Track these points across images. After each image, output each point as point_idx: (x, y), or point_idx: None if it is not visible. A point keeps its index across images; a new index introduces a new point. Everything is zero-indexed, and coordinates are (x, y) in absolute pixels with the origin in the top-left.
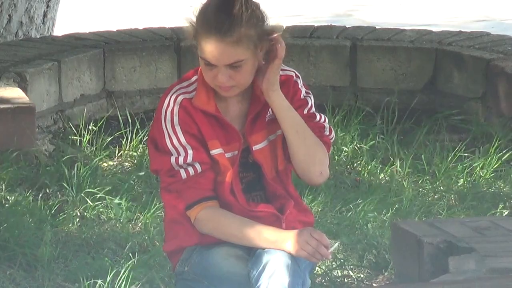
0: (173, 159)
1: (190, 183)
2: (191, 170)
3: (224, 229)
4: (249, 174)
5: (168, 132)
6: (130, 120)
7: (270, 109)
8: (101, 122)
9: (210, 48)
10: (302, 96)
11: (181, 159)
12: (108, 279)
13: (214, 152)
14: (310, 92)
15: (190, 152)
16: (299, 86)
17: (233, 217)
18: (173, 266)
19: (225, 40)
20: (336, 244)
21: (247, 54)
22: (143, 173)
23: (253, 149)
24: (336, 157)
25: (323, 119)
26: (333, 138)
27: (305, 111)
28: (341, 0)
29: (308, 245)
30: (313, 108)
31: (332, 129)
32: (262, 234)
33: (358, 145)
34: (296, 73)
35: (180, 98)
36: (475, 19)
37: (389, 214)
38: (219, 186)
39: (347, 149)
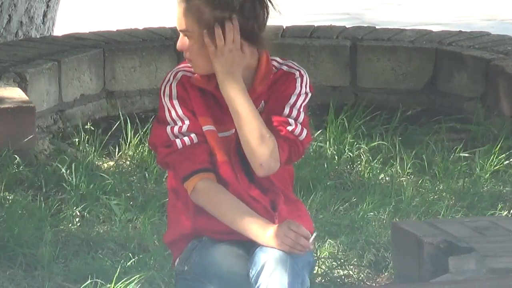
0: (169, 128)
1: (186, 154)
2: (187, 140)
3: (218, 206)
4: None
5: (167, 106)
6: (130, 120)
7: (262, 101)
8: (101, 122)
9: (175, 11)
10: (294, 93)
11: (176, 129)
12: (108, 279)
13: (204, 128)
14: (308, 93)
15: (186, 122)
16: (296, 84)
17: (231, 198)
18: (173, 258)
19: (180, 7)
20: (315, 234)
21: (193, 28)
22: (143, 172)
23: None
24: (336, 157)
25: (294, 114)
26: (302, 136)
27: (285, 105)
28: (347, 1)
29: (287, 237)
30: (297, 105)
31: (305, 128)
32: (251, 226)
33: (359, 145)
34: (302, 72)
35: (180, 74)
36: (476, 18)
37: (389, 214)
38: (214, 165)
39: (347, 149)
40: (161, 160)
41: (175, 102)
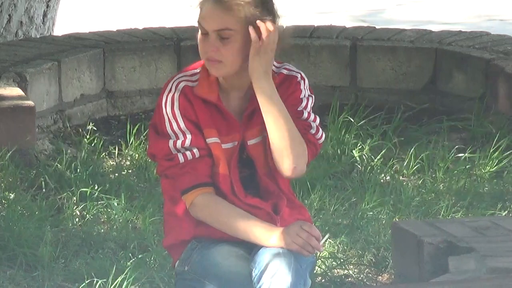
0: (171, 142)
1: (187, 168)
2: (189, 155)
3: (219, 217)
4: (244, 171)
5: (168, 117)
6: (130, 120)
7: None
8: (101, 122)
9: (205, 10)
10: (301, 96)
11: (179, 143)
12: (108, 279)
13: (209, 140)
14: (312, 96)
15: (188, 136)
16: (301, 87)
17: (230, 207)
18: (173, 260)
19: (219, 4)
20: (326, 237)
21: (236, 26)
22: (143, 173)
23: (248, 144)
24: (336, 157)
25: (312, 118)
26: (322, 139)
27: (299, 109)
28: (347, 1)
29: (299, 237)
30: (308, 108)
31: (323, 132)
32: (254, 231)
33: (359, 145)
34: (302, 75)
35: (182, 84)
36: (476, 19)
37: (388, 214)
38: (215, 177)
39: (347, 149)
40: (161, 172)
41: (178, 114)
